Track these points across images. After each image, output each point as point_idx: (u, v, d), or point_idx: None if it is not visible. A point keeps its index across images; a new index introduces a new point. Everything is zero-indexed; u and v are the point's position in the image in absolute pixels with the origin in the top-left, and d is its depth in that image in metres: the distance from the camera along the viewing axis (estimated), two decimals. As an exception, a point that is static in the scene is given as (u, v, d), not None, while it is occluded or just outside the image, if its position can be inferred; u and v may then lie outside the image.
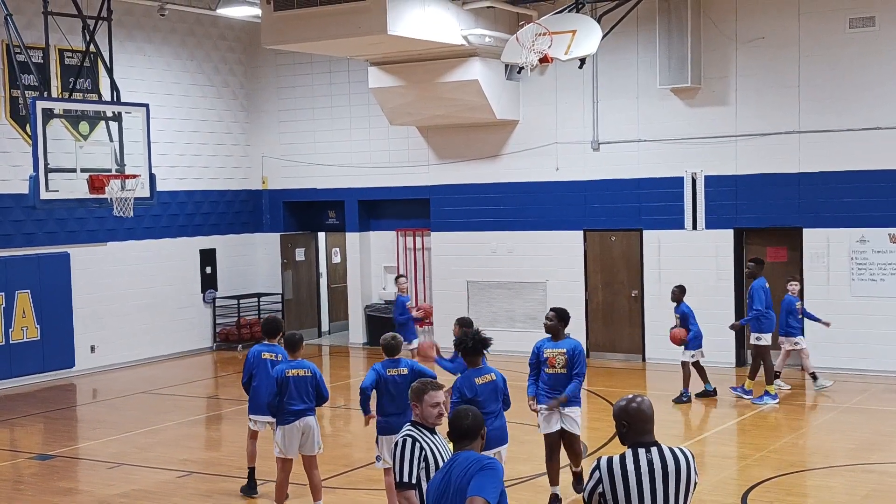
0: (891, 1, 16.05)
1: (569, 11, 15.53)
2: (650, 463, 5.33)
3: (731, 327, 16.23)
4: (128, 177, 15.44)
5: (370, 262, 21.41)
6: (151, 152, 15.95)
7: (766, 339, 14.69)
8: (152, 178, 15.90)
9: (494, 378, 8.84)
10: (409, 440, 6.14)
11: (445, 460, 6.17)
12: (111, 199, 15.17)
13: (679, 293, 15.07)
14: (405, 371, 9.39)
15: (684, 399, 14.79)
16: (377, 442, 9.51)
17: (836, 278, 16.55)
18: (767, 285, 14.86)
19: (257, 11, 17.44)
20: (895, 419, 14.03)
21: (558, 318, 10.03)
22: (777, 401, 14.57)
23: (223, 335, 21.36)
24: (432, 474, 6.10)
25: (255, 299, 21.85)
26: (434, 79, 18.37)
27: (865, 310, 16.21)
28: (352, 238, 21.45)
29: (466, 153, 19.83)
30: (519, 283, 19.29)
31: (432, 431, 6.23)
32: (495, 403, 8.80)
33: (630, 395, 5.50)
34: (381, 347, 9.55)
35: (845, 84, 16.43)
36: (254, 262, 22.41)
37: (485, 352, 8.97)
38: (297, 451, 9.89)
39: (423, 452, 6.10)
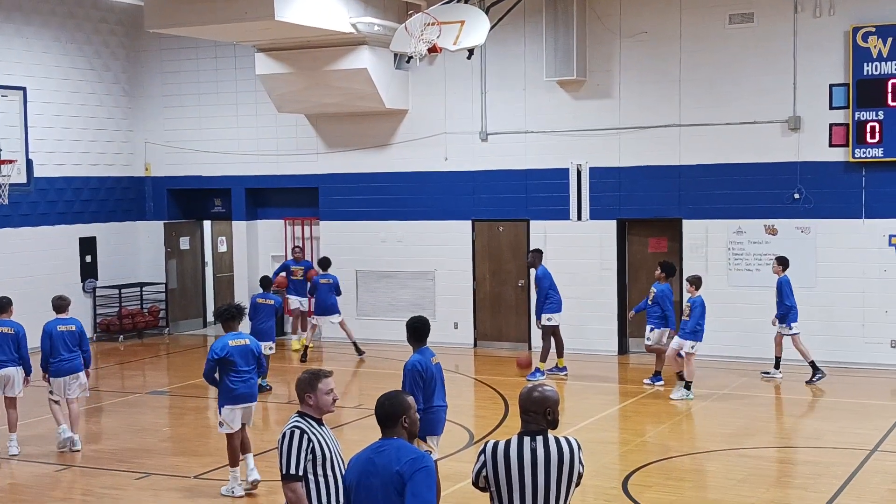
0: (768, -1, 16.56)
1: (457, 2, 15.56)
2: (533, 451, 5.41)
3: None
4: (3, 162, 14.99)
5: (258, 252, 21.16)
6: (29, 137, 15.52)
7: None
8: (29, 163, 15.47)
9: (249, 343, 10.40)
10: (298, 431, 6.08)
11: (334, 451, 6.14)
12: (-15, 185, 14.69)
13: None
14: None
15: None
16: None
17: (714, 268, 17.03)
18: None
19: (140, -6, 17.04)
20: (770, 405, 14.54)
21: None
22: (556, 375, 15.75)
23: (104, 325, 20.85)
24: (319, 467, 6.07)
25: (138, 289, 21.38)
26: (322, 66, 18.23)
27: (742, 299, 16.73)
28: (239, 227, 21.16)
29: (355, 142, 19.75)
30: (408, 273, 19.32)
31: (320, 423, 6.19)
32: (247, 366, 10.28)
33: (532, 385, 5.60)
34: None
35: (724, 78, 16.89)
36: (136, 250, 21.91)
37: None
38: None
39: (311, 444, 6.06)
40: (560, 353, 16.25)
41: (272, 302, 15.29)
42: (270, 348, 15.16)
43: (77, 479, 11.21)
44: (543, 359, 15.97)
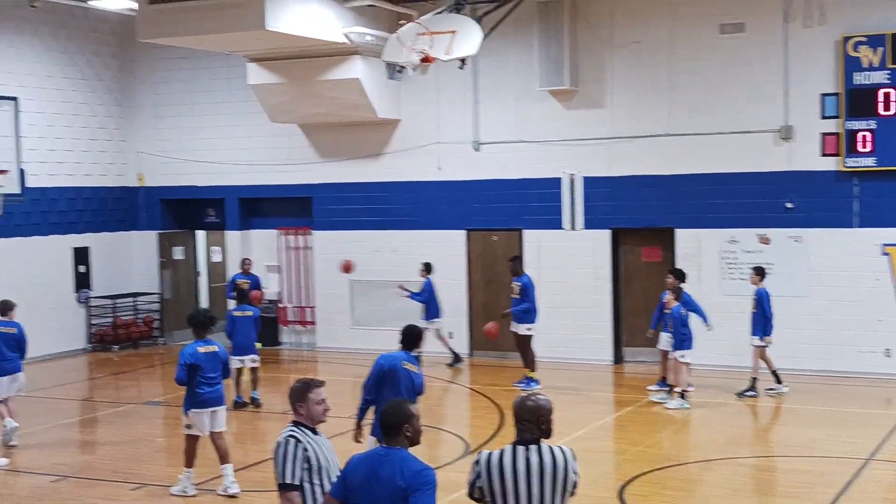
0: (760, 8, 16.62)
1: (449, 12, 15.61)
2: (527, 461, 5.43)
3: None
4: (-4, 172, 14.97)
5: (251, 261, 21.10)
6: (21, 147, 15.50)
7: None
8: (22, 173, 15.47)
9: (217, 350, 10.60)
10: (293, 441, 6.08)
11: (329, 460, 6.14)
12: (-22, 195, 14.68)
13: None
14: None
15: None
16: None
17: (708, 277, 17.06)
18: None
19: (132, 4, 17.06)
20: (764, 414, 14.56)
21: None
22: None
23: (98, 336, 20.81)
24: (315, 476, 6.07)
25: (132, 299, 21.35)
26: (315, 76, 18.26)
27: (736, 308, 16.73)
28: (232, 236, 21.16)
29: (349, 152, 19.77)
30: (402, 282, 19.28)
31: (315, 432, 6.19)
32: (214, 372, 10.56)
33: (526, 394, 5.61)
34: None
35: (715, 88, 16.94)
36: (130, 260, 21.88)
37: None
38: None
39: (306, 453, 6.05)
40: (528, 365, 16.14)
41: (251, 314, 14.90)
42: (254, 361, 14.86)
43: (73, 489, 11.18)
44: (533, 367, 15.96)
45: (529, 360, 16.01)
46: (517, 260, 16.54)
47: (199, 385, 10.51)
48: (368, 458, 5.51)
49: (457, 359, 18.02)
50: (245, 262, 18.72)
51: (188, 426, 10.64)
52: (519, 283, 15.98)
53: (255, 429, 14.29)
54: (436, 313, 17.72)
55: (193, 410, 10.56)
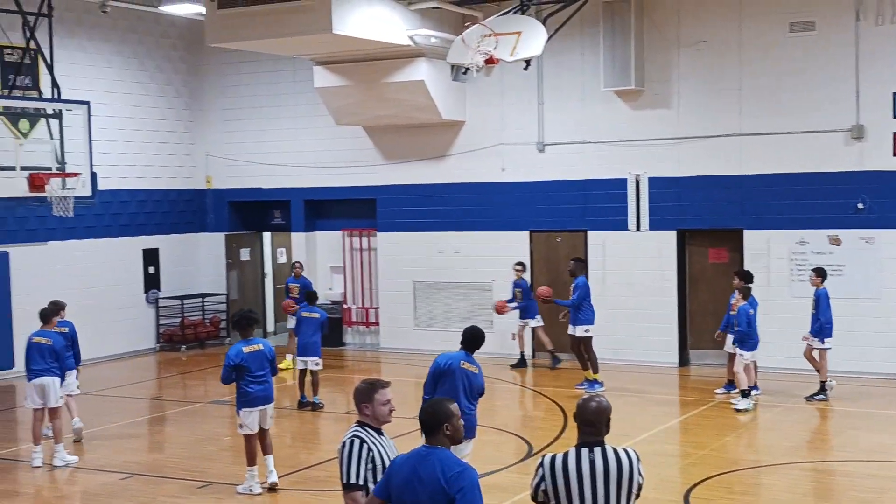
0: (831, 6, 16.34)
1: (514, 13, 15.60)
2: (592, 463, 5.40)
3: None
4: (68, 175, 15.27)
5: (316, 263, 21.32)
6: (93, 150, 15.80)
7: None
8: (94, 176, 15.74)
9: (262, 348, 10.74)
10: (358, 441, 6.10)
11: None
12: (51, 197, 14.99)
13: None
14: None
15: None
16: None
17: (777, 279, 16.81)
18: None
19: (201, 9, 17.29)
20: (834, 418, 14.30)
21: None
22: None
23: (167, 336, 21.14)
24: (379, 476, 6.09)
25: (200, 300, 21.66)
26: (380, 79, 18.35)
27: (805, 310, 16.41)
28: (298, 238, 21.35)
29: (413, 153, 19.84)
30: (465, 284, 19.33)
31: (379, 432, 6.22)
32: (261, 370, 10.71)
33: (588, 396, 5.59)
34: None
35: (785, 87, 16.69)
36: (198, 261, 22.20)
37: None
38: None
39: (371, 454, 6.08)
40: (590, 367, 16.02)
41: (317, 315, 14.94)
42: (317, 364, 14.87)
43: (142, 487, 11.37)
44: (595, 369, 15.88)
45: (592, 362, 15.89)
46: (578, 261, 16.54)
47: (247, 384, 10.69)
48: (410, 458, 5.52)
49: (522, 361, 18.01)
50: (295, 266, 18.46)
51: (241, 426, 10.83)
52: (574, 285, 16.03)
53: (319, 429, 14.40)
54: (529, 314, 17.73)
55: (244, 410, 10.75)
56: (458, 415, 5.54)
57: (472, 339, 9.57)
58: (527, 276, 18.09)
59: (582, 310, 15.82)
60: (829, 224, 16.49)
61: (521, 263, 17.99)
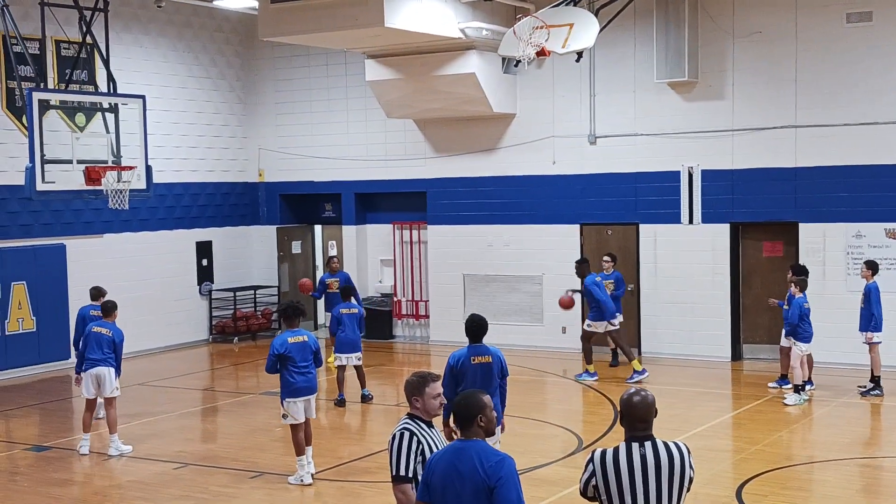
0: (888, -4, 16.06)
1: (566, 5, 15.50)
2: (643, 457, 5.35)
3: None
4: (124, 168, 15.45)
5: (367, 255, 21.42)
6: (148, 144, 15.98)
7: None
8: (149, 169, 15.91)
9: (307, 339, 10.84)
10: (408, 434, 6.12)
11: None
12: (107, 190, 15.17)
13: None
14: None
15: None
16: None
17: (832, 273, 16.56)
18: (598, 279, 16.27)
19: (254, 3, 17.43)
20: (889, 414, 14.07)
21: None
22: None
23: (219, 328, 21.36)
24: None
25: (252, 292, 21.85)
26: (431, 72, 18.36)
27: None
28: (348, 231, 21.45)
29: (463, 146, 19.82)
30: (515, 277, 19.30)
31: (430, 425, 6.23)
32: (305, 361, 10.82)
33: (633, 389, 5.54)
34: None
35: (842, 79, 16.42)
36: (250, 254, 22.41)
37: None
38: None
39: (421, 446, 6.08)
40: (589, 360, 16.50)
41: (356, 311, 14.78)
42: (359, 359, 14.71)
43: (194, 477, 11.50)
44: (631, 357, 16.17)
45: (586, 354, 16.44)
46: (581, 262, 16.72)
47: (291, 374, 10.85)
48: (446, 453, 5.51)
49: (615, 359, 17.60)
50: (332, 261, 18.31)
51: (284, 416, 10.97)
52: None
53: (368, 421, 14.46)
54: (605, 314, 16.52)
55: (288, 400, 10.87)
56: (491, 406, 5.54)
57: (474, 330, 9.53)
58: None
59: (592, 307, 16.25)
60: (887, 217, 16.22)
61: (611, 255, 17.28)
